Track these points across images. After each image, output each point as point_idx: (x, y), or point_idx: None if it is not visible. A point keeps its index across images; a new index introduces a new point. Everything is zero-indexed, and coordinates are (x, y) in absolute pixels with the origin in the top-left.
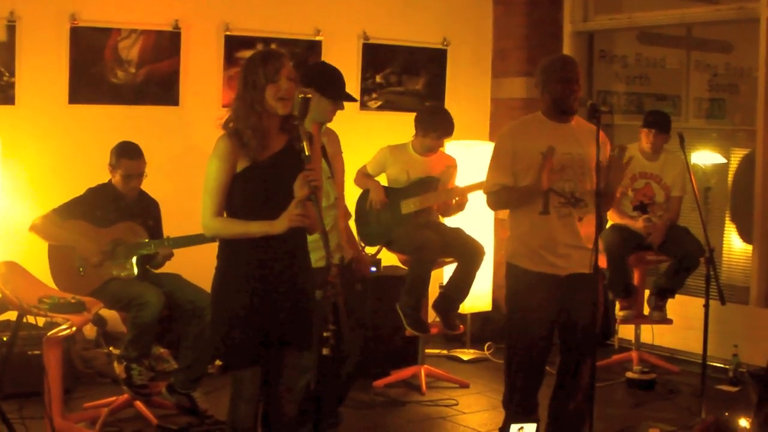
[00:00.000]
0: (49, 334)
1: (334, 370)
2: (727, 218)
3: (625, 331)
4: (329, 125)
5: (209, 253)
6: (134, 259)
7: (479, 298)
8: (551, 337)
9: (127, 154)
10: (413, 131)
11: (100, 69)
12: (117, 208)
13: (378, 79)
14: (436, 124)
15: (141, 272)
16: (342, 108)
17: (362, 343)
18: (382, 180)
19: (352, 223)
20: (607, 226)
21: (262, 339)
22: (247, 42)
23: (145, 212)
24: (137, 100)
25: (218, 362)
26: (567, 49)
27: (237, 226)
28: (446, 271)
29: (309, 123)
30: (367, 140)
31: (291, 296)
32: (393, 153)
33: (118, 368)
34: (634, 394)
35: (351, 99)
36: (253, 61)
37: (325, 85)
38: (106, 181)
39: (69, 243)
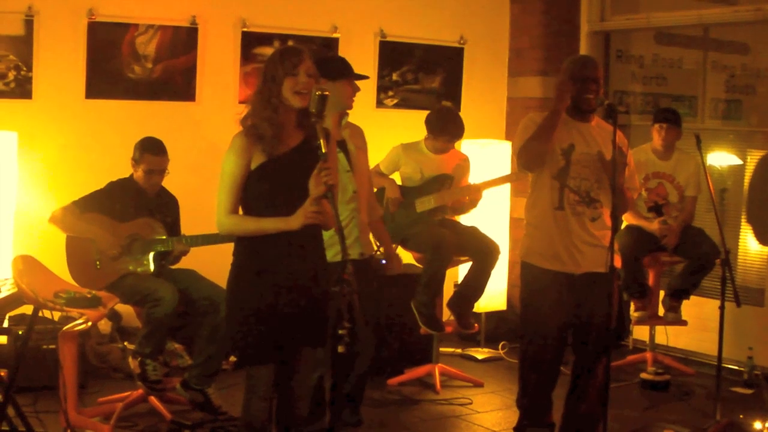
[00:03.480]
0: (64, 328)
1: (348, 368)
2: (742, 220)
3: (640, 332)
4: (354, 121)
5: (225, 250)
6: (151, 255)
7: (494, 297)
8: (565, 337)
9: (151, 150)
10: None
11: (117, 64)
12: (137, 203)
13: (395, 76)
14: (444, 129)
15: (157, 268)
16: (358, 89)
17: (376, 341)
18: (396, 178)
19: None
20: (622, 227)
21: (277, 336)
22: (264, 38)
23: (165, 209)
24: (154, 96)
25: (232, 358)
26: (584, 49)
27: (251, 223)
28: (461, 270)
29: (333, 114)
30: (383, 138)
31: (306, 293)
32: (406, 151)
33: (133, 363)
34: (648, 396)
35: (361, 76)
36: (274, 55)
37: (331, 71)
38: (122, 175)
39: (87, 235)
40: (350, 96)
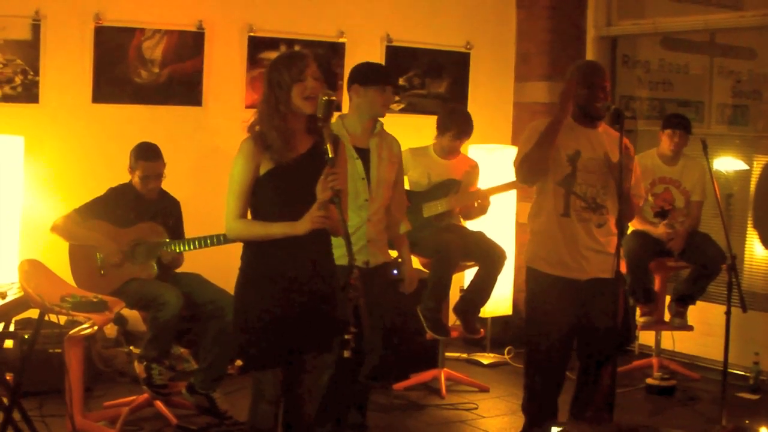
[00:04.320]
0: (70, 332)
1: (353, 372)
2: (749, 225)
3: (646, 338)
4: (392, 133)
5: (230, 253)
6: (154, 259)
7: (500, 302)
8: (570, 342)
9: (144, 156)
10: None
11: (123, 68)
12: (137, 208)
13: (401, 81)
14: (451, 123)
15: (161, 272)
16: (391, 99)
17: (381, 346)
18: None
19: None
20: (629, 232)
21: (284, 340)
22: (271, 43)
23: (166, 212)
24: (160, 100)
25: (238, 362)
26: (590, 54)
27: (259, 228)
28: (467, 275)
29: (363, 120)
30: None
31: (313, 298)
32: (414, 156)
33: (138, 368)
34: (654, 401)
35: (393, 82)
36: (278, 61)
37: (364, 77)
38: (128, 180)
39: (90, 243)
40: (382, 103)
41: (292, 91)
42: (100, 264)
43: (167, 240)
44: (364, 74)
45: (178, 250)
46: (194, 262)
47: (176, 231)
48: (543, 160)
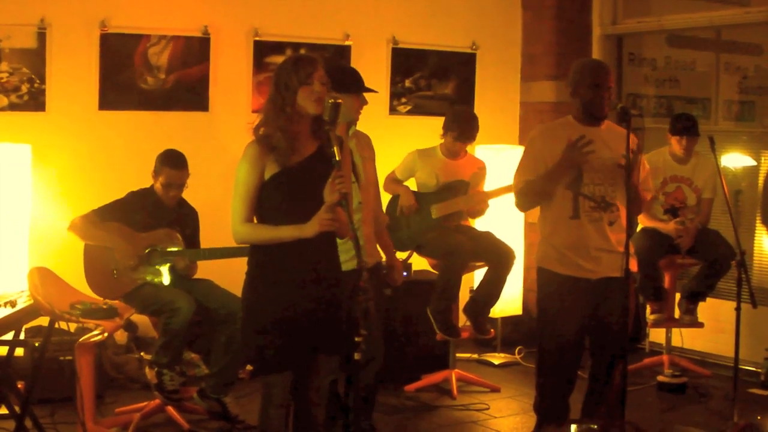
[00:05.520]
0: (80, 339)
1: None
2: (757, 221)
3: (656, 335)
4: (362, 129)
5: (240, 259)
6: (168, 266)
7: (510, 302)
8: (582, 341)
9: (170, 164)
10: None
11: (129, 75)
12: (156, 214)
13: (407, 83)
14: (454, 125)
15: (173, 278)
16: (366, 102)
17: (384, 348)
18: (411, 184)
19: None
20: (638, 229)
21: (293, 344)
22: (277, 47)
23: (184, 221)
24: (167, 106)
25: (249, 367)
26: (596, 53)
27: (266, 231)
28: (477, 276)
29: (338, 125)
30: (396, 145)
31: (321, 301)
32: (421, 157)
33: (150, 373)
34: (665, 398)
35: (370, 90)
36: (286, 64)
37: (340, 83)
38: (135, 186)
39: (106, 243)
40: (357, 109)
41: (298, 94)
42: (113, 266)
43: (182, 249)
44: (341, 80)
45: (192, 259)
46: (205, 267)
47: (192, 240)
48: (537, 203)
